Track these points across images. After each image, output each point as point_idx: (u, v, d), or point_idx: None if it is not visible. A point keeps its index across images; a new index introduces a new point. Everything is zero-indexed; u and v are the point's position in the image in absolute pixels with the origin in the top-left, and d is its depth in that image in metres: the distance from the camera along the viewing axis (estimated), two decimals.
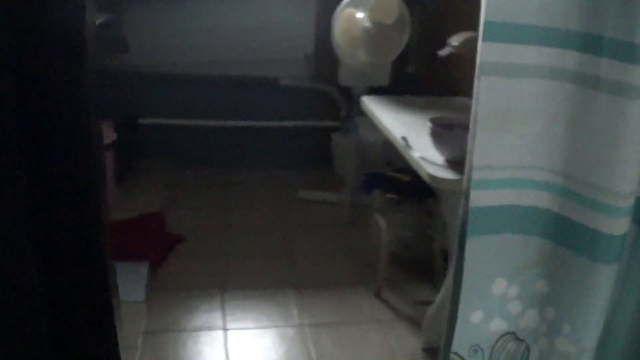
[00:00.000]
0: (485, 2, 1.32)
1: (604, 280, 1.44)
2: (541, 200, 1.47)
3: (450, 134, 2.50)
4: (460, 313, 1.50)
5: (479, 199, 1.42)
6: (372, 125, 3.59)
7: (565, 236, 1.47)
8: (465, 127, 2.52)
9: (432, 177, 2.38)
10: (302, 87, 4.27)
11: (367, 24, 3.38)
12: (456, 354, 1.53)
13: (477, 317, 1.53)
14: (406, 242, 3.29)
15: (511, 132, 1.39)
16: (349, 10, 3.38)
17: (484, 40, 1.33)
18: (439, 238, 3.02)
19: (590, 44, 1.32)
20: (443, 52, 3.41)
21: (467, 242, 1.44)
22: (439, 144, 2.48)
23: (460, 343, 1.52)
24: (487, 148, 1.40)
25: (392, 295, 3.05)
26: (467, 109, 3.10)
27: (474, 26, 3.35)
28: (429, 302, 2.92)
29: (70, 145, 1.03)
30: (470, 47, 3.28)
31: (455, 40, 3.35)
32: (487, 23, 1.31)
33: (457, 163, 2.43)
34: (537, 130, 1.40)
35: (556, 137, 1.41)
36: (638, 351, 1.52)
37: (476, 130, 1.40)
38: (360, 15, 3.40)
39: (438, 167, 2.43)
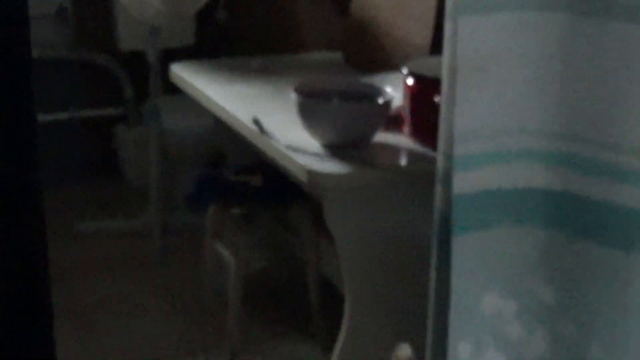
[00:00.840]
0: None
1: None
2: (538, 176, 1.54)
3: (329, 107, 2.53)
4: (450, 345, 1.55)
5: (463, 182, 1.49)
6: (184, 108, 3.54)
7: (580, 222, 1.54)
8: (344, 95, 2.58)
9: (312, 173, 2.40)
10: (58, 59, 4.08)
11: None
12: None
13: (465, 350, 1.58)
14: (264, 275, 3.25)
15: (495, 83, 1.47)
16: None
17: None
18: (312, 261, 3.02)
19: None
20: None
21: (453, 241, 1.50)
22: (313, 123, 2.51)
23: None
24: (468, 109, 1.46)
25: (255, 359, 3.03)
26: (328, 67, 3.17)
27: None
28: None
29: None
30: None
31: None
32: None
33: (341, 147, 2.44)
34: (526, 77, 1.48)
35: (554, 85, 1.49)
36: None
37: (453, 86, 1.46)
38: None
39: (317, 157, 2.45)
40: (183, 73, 3.17)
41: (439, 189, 1.55)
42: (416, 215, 2.36)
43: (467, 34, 1.42)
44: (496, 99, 1.47)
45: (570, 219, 1.55)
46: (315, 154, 2.44)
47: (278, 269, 3.33)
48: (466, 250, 1.52)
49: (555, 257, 1.58)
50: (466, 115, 1.46)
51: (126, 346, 3.08)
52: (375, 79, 2.74)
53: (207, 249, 3.22)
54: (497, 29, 1.44)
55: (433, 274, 1.61)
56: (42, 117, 4.10)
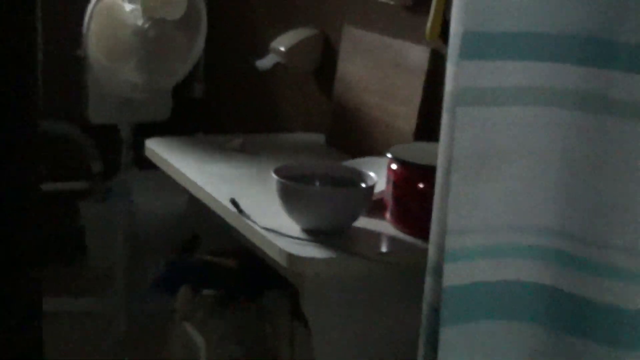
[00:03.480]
0: (456, 6, 1.46)
1: None
2: (530, 272, 1.61)
3: (311, 191, 2.62)
4: None
5: (454, 274, 1.54)
6: (156, 185, 3.60)
7: (570, 319, 1.60)
8: (326, 179, 2.66)
9: (292, 258, 2.44)
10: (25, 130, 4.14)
11: (140, 20, 3.39)
12: None
13: None
14: None
15: (490, 179, 1.54)
16: (111, 1, 3.38)
17: (460, 58, 1.46)
18: (287, 353, 3.07)
19: (596, 52, 1.47)
20: (264, 62, 3.51)
21: (441, 333, 1.54)
22: (294, 207, 2.57)
23: None
24: (462, 203, 1.53)
25: None
26: (310, 148, 3.25)
27: (306, 22, 3.47)
28: None
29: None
30: (306, 53, 3.42)
31: (282, 44, 3.45)
32: (464, 35, 1.45)
33: (322, 233, 2.51)
34: (522, 175, 1.55)
35: (550, 184, 1.56)
36: None
37: (451, 182, 1.52)
38: (128, 7, 3.40)
39: (297, 242, 2.50)
40: (158, 148, 3.22)
41: (428, 280, 1.61)
42: (396, 308, 2.44)
43: (465, 125, 1.48)
44: (492, 193, 1.53)
45: (559, 315, 1.60)
46: (295, 238, 2.48)
47: (250, 356, 3.35)
48: (455, 341, 1.56)
49: (544, 352, 1.63)
50: (461, 208, 1.52)
51: None
52: (358, 163, 2.81)
53: (176, 331, 3.26)
54: (496, 123, 1.50)
55: None
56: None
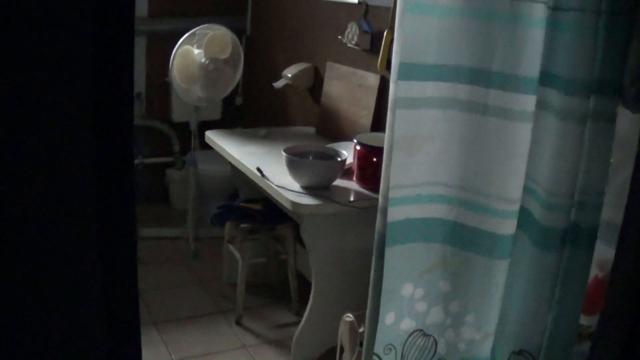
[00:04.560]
0: (397, 46, 1.45)
1: (500, 273, 1.60)
2: (441, 211, 1.60)
3: (307, 162, 2.56)
4: (381, 316, 1.59)
5: (394, 214, 1.53)
6: (211, 159, 3.56)
7: (464, 240, 1.61)
8: (316, 155, 2.62)
9: (294, 204, 2.43)
10: (135, 125, 4.07)
11: (203, 59, 3.33)
12: (375, 354, 1.62)
13: (390, 318, 1.62)
14: (260, 269, 3.26)
15: (417, 153, 1.52)
16: (186, 47, 3.32)
17: (397, 79, 1.45)
18: (292, 262, 3.03)
19: (480, 77, 1.48)
20: (278, 83, 3.47)
21: (386, 251, 1.54)
22: (296, 172, 2.54)
23: (377, 344, 1.61)
24: (399, 169, 1.51)
25: (253, 321, 3.05)
26: (306, 136, 3.22)
27: (304, 59, 3.44)
28: (290, 324, 2.93)
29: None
30: (304, 78, 3.36)
31: (290, 72, 3.41)
32: (401, 64, 1.44)
33: (314, 188, 2.47)
34: (437, 150, 1.54)
35: (453, 155, 1.55)
36: (525, 330, 1.66)
37: (392, 155, 1.50)
38: (196, 51, 3.34)
39: (298, 194, 2.48)
40: (214, 137, 3.19)
41: (378, 217, 1.59)
42: (359, 233, 2.42)
43: (401, 120, 1.47)
44: (418, 162, 1.52)
45: (458, 238, 1.61)
46: (297, 192, 2.46)
47: (270, 265, 3.33)
48: (393, 256, 1.55)
49: (449, 261, 1.63)
50: (398, 173, 1.50)
51: (165, 310, 3.08)
52: (336, 145, 2.78)
53: (225, 251, 3.24)
54: (419, 119, 1.49)
55: (373, 271, 1.64)
56: None
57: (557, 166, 1.50)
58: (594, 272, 1.57)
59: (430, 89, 1.46)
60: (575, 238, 1.50)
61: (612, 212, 1.51)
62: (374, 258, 1.63)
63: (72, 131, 0.90)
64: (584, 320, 1.60)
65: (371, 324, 1.64)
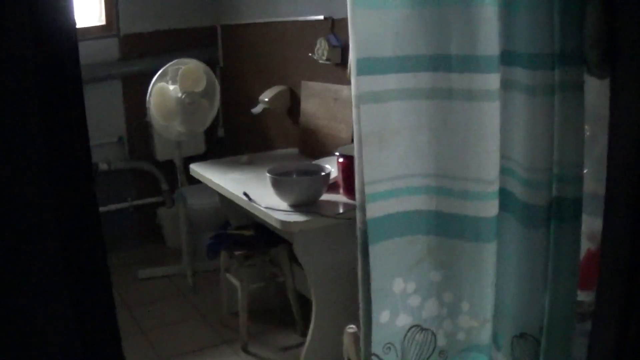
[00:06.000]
0: (352, 42, 1.43)
1: (489, 257, 1.56)
2: (420, 202, 1.57)
3: (291, 180, 2.55)
4: (374, 315, 1.56)
5: (373, 210, 1.50)
6: (200, 192, 3.53)
7: (448, 228, 1.58)
8: (300, 172, 2.60)
9: (283, 223, 2.41)
10: (120, 169, 4.07)
11: (179, 94, 3.33)
12: (374, 354, 1.59)
13: (385, 316, 1.59)
14: (260, 293, 3.22)
15: (387, 147, 1.49)
16: (161, 84, 3.32)
17: (357, 74, 1.43)
18: (290, 283, 3.00)
19: (440, 62, 1.46)
20: (256, 109, 3.46)
21: (370, 249, 1.51)
22: (281, 191, 2.52)
23: (375, 344, 1.58)
24: (372, 164, 1.49)
25: (259, 347, 3.01)
26: (290, 158, 3.20)
27: (279, 82, 3.44)
28: (296, 346, 2.89)
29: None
30: (281, 100, 3.35)
31: (266, 96, 3.41)
32: (358, 60, 1.42)
33: (301, 205, 2.46)
34: (407, 142, 1.51)
35: (424, 145, 1.53)
36: (523, 313, 1.62)
37: (362, 151, 1.48)
38: (171, 87, 3.34)
39: (286, 213, 2.45)
40: (198, 169, 3.16)
41: (358, 215, 1.56)
42: (352, 244, 2.37)
43: (366, 115, 1.45)
44: (390, 156, 1.50)
45: (442, 227, 1.58)
46: (285, 211, 2.44)
47: (269, 289, 3.29)
48: (378, 253, 1.53)
49: (437, 252, 1.60)
50: (371, 169, 1.48)
51: (171, 346, 3.04)
52: (320, 161, 2.76)
53: (222, 281, 3.20)
54: (385, 112, 1.47)
55: (360, 271, 1.61)
56: (112, 207, 4.11)
57: (531, 142, 1.48)
58: (586, 245, 1.55)
59: (392, 81, 1.44)
60: (560, 212, 1.47)
61: (595, 183, 1.49)
62: (359, 256, 1.60)
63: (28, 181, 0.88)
64: (584, 296, 1.57)
65: (366, 324, 1.61)
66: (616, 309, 1.32)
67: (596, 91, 1.43)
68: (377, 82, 1.43)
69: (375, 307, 1.55)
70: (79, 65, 0.83)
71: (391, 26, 1.40)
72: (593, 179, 1.50)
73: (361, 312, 1.64)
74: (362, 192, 1.51)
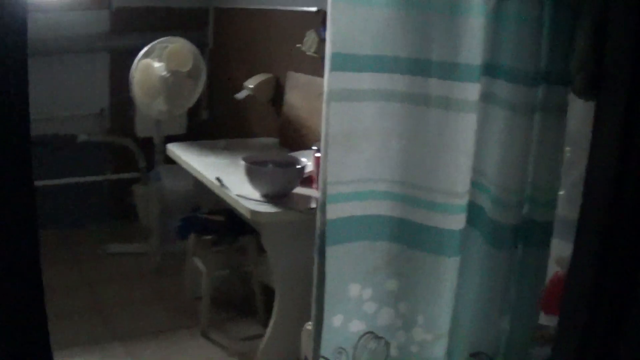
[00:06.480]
0: (329, 36, 1.37)
1: (449, 272, 1.51)
2: (384, 208, 1.52)
3: (265, 170, 2.51)
4: (325, 318, 1.52)
5: (333, 211, 1.46)
6: (176, 173, 3.49)
7: (410, 237, 1.53)
8: (276, 163, 2.57)
9: (253, 212, 2.36)
10: (99, 142, 4.01)
11: (164, 72, 3.28)
12: (323, 357, 1.55)
13: (338, 320, 1.55)
14: (224, 281, 3.19)
15: (355, 150, 1.44)
16: (146, 60, 3.27)
17: (331, 70, 1.38)
18: (255, 272, 2.97)
19: (419, 67, 1.41)
20: (240, 94, 3.42)
21: (326, 250, 1.47)
22: (255, 181, 2.48)
23: (326, 347, 1.54)
24: (336, 165, 1.44)
25: (219, 334, 2.96)
26: (269, 147, 3.17)
27: (265, 70, 3.41)
28: (256, 337, 2.86)
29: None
30: (266, 89, 3.32)
31: (251, 83, 3.37)
32: (333, 55, 1.36)
33: (273, 197, 2.42)
34: (376, 146, 1.46)
35: (394, 151, 1.48)
36: (481, 332, 1.60)
37: (328, 150, 1.43)
38: (157, 64, 3.29)
39: (257, 203, 2.41)
40: (175, 150, 3.13)
41: (318, 215, 1.53)
42: None
43: (335, 114, 1.41)
44: (357, 159, 1.45)
45: (404, 235, 1.53)
46: (256, 201, 2.40)
47: (234, 277, 3.26)
48: (335, 256, 1.48)
49: (395, 260, 1.56)
50: (334, 168, 1.44)
51: (128, 326, 2.99)
52: (297, 154, 2.72)
53: (188, 264, 3.16)
54: (355, 112, 1.42)
55: (315, 272, 1.58)
56: (88, 179, 4.06)
57: (506, 160, 1.44)
58: (555, 269, 1.53)
59: (367, 80, 1.40)
60: (528, 235, 1.44)
61: (570, 207, 1.47)
62: (315, 257, 1.56)
63: None
64: (546, 320, 1.55)
65: (316, 326, 1.57)
66: (577, 336, 1.30)
67: (582, 113, 1.40)
68: (350, 80, 1.39)
69: (327, 310, 1.51)
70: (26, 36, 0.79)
71: (372, 24, 1.36)
72: (568, 203, 1.47)
73: (313, 313, 1.60)
74: (324, 191, 1.46)
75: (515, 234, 1.50)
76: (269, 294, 2.98)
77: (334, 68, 1.37)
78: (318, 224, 1.53)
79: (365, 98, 1.41)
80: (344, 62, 1.36)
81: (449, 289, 1.53)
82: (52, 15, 3.71)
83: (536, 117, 1.43)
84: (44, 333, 0.97)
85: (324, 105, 1.43)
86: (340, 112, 1.40)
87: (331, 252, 1.47)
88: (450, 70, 1.37)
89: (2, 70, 0.79)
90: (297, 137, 3.10)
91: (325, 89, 1.40)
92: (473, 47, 1.35)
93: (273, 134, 3.41)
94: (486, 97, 1.46)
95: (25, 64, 0.81)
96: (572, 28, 1.35)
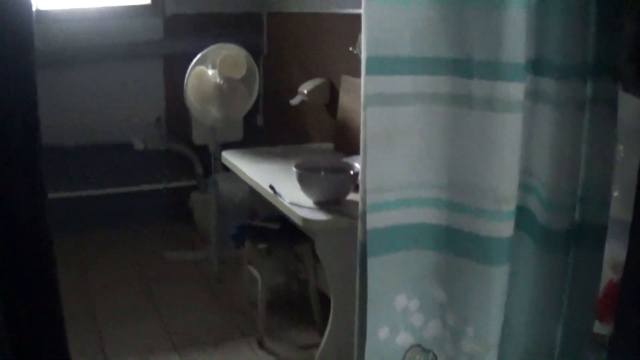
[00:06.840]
0: (364, 39, 1.35)
1: (498, 281, 1.44)
2: (429, 216, 1.48)
3: (317, 177, 2.48)
4: (369, 331, 1.47)
5: (374, 221, 1.42)
6: (232, 180, 3.49)
7: (457, 246, 1.47)
8: (328, 169, 2.53)
9: (305, 220, 2.34)
10: (157, 150, 4.06)
11: (217, 79, 3.27)
12: None
13: (384, 333, 1.51)
14: (281, 288, 3.16)
15: (396, 152, 1.40)
16: (200, 67, 3.28)
17: (366, 74, 1.35)
18: (312, 280, 2.93)
19: (460, 67, 1.35)
20: (294, 100, 3.40)
21: (368, 262, 1.42)
22: (307, 188, 2.45)
23: None
24: (376, 171, 1.40)
25: (275, 343, 2.95)
26: (324, 153, 3.13)
27: (320, 74, 3.37)
28: (313, 345, 2.82)
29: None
30: (320, 93, 3.28)
31: (305, 88, 3.34)
32: (368, 59, 1.33)
33: (326, 203, 2.38)
34: (417, 152, 1.42)
35: (437, 155, 1.43)
36: (533, 341, 1.52)
37: (366, 157, 1.40)
38: (210, 71, 3.29)
39: (309, 210, 2.39)
40: (230, 157, 3.13)
41: (359, 225, 1.48)
42: None
43: (372, 119, 1.37)
44: (397, 160, 1.41)
45: (450, 244, 1.48)
46: (309, 208, 2.37)
47: (290, 284, 3.24)
48: (377, 267, 1.44)
49: (442, 269, 1.50)
50: (375, 173, 1.40)
51: (188, 331, 3.00)
52: (351, 159, 2.66)
53: (244, 271, 3.16)
54: (398, 116, 1.38)
55: (357, 284, 1.53)
56: (146, 187, 4.10)
57: (556, 160, 1.36)
58: (609, 275, 1.43)
59: (407, 83, 1.35)
60: (581, 238, 1.35)
61: (625, 209, 1.37)
62: (357, 268, 1.51)
63: None
64: (600, 328, 1.46)
65: (359, 338, 1.52)
66: (634, 343, 1.22)
67: (634, 109, 1.31)
68: (388, 83, 1.34)
69: (371, 322, 1.46)
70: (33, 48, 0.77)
71: (409, 24, 1.30)
72: (623, 204, 1.38)
73: (356, 327, 1.55)
74: (364, 199, 1.42)
75: (568, 237, 1.42)
76: (327, 301, 2.94)
77: (369, 72, 1.33)
78: (358, 234, 1.49)
79: (403, 101, 1.37)
80: (381, 65, 1.33)
81: (498, 299, 1.46)
82: (105, 24, 3.77)
83: (586, 114, 1.34)
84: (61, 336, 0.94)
85: (362, 111, 1.40)
86: (378, 116, 1.36)
87: (372, 263, 1.43)
88: (493, 70, 1.31)
89: (10, 74, 0.78)
90: (352, 141, 3.04)
91: (363, 94, 1.37)
92: (516, 42, 1.28)
93: (328, 138, 3.39)
94: (533, 95, 1.39)
95: (32, 70, 0.80)
96: (621, 17, 1.26)
